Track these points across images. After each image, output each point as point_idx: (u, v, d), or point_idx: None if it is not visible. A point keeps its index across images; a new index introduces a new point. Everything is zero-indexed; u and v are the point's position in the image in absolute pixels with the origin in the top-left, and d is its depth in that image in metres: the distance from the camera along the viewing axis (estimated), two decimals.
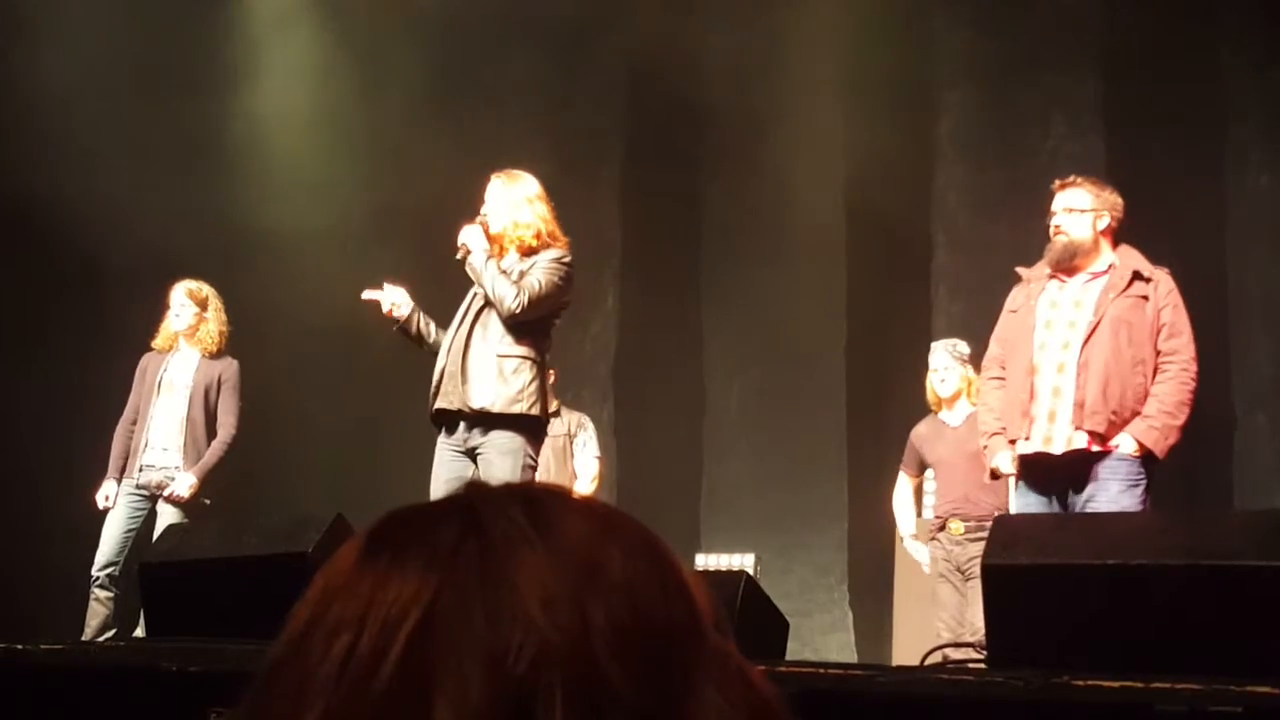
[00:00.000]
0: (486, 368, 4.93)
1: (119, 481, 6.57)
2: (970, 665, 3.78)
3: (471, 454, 4.98)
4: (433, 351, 5.19)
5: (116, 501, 6.51)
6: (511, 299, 4.94)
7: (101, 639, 6.21)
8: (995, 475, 5.08)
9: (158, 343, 6.76)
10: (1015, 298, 5.10)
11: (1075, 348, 4.78)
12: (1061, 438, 4.75)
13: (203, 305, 6.72)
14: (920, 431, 6.54)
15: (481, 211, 5.16)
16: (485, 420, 4.92)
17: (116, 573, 6.40)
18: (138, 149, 7.98)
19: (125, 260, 7.24)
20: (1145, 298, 4.82)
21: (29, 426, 7.76)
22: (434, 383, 5.05)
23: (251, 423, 8.53)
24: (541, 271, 5.01)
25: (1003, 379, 5.02)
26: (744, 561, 7.86)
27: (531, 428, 4.99)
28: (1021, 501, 4.92)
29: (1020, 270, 5.16)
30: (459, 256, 5.10)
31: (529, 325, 5.01)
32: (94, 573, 6.40)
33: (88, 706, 3.59)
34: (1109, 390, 4.69)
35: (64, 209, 7.65)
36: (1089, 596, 3.04)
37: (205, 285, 6.77)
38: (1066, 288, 4.93)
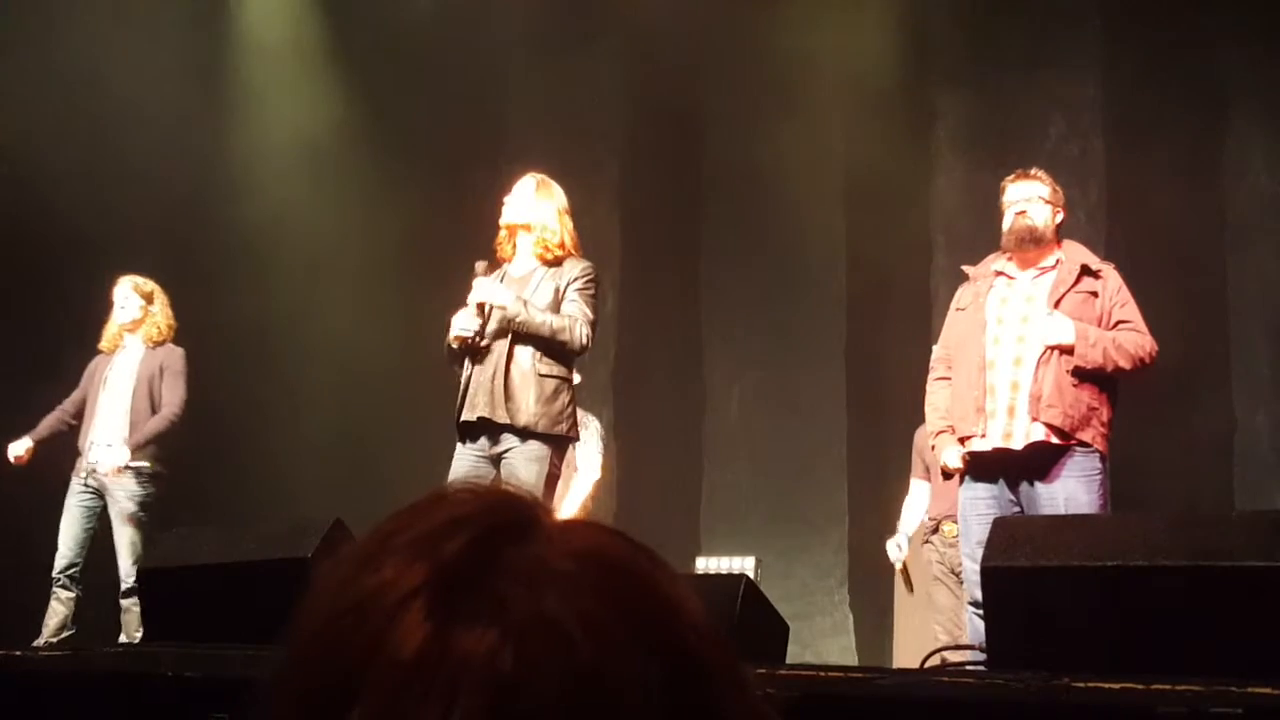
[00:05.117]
0: (530, 386, 4.95)
1: (34, 443, 6.53)
2: (970, 667, 3.78)
3: (496, 459, 4.99)
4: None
5: (67, 503, 6.46)
6: (580, 336, 5.00)
7: (58, 639, 6.26)
8: (946, 473, 5.06)
9: (104, 344, 6.69)
10: (963, 296, 5.09)
11: (1031, 342, 4.77)
12: (1021, 432, 4.72)
13: (148, 299, 6.65)
14: (923, 433, 6.53)
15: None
16: (518, 432, 4.94)
17: (78, 573, 6.38)
18: (133, 159, 7.97)
19: (119, 269, 7.18)
20: (1094, 294, 4.83)
21: None
22: (461, 392, 5.05)
23: (251, 428, 8.52)
24: (582, 294, 5.06)
25: (948, 379, 5.02)
26: (744, 565, 7.84)
27: (563, 444, 5.09)
28: (969, 494, 4.86)
29: (967, 268, 5.16)
30: (479, 322, 4.99)
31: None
32: (55, 574, 6.37)
33: (87, 712, 3.59)
34: (1064, 384, 4.68)
35: (56, 221, 7.62)
36: (1089, 598, 3.03)
37: (150, 280, 6.70)
38: (1015, 283, 4.93)
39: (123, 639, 6.28)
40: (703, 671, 0.70)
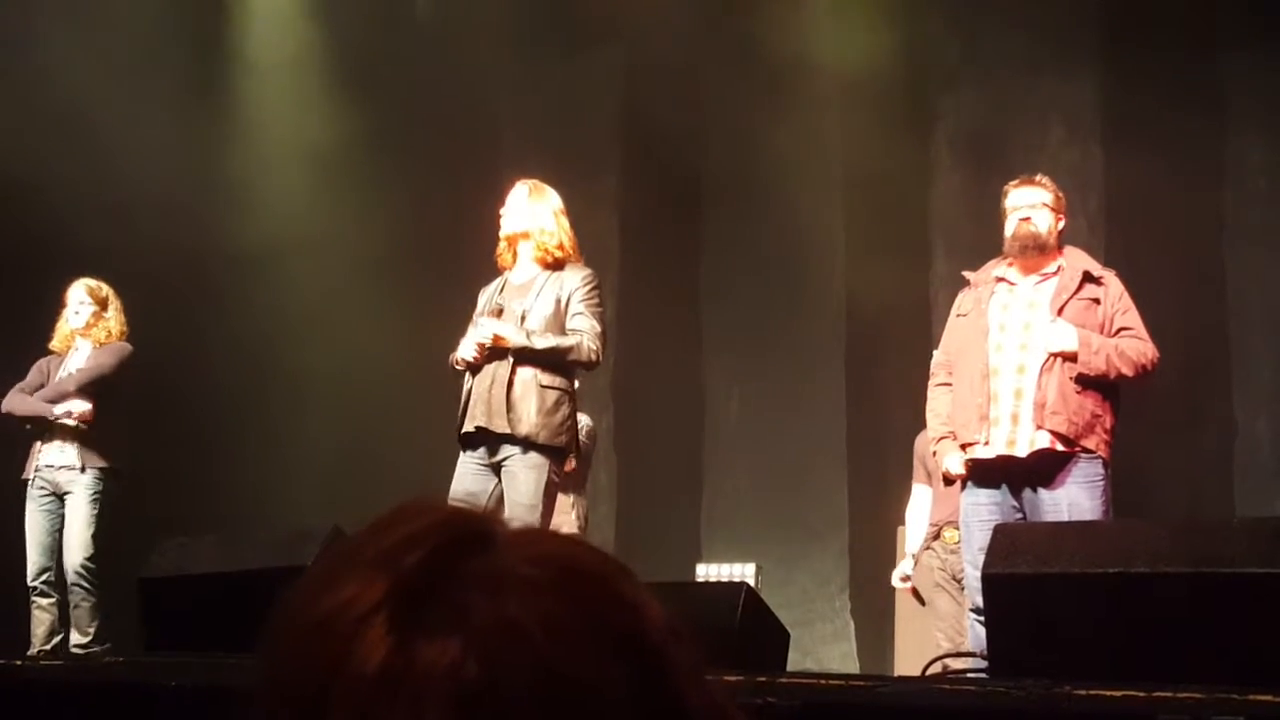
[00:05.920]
0: (531, 397, 4.95)
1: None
2: (972, 675, 3.77)
3: (497, 467, 4.99)
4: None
5: (27, 509, 6.38)
6: (590, 352, 5.02)
7: (50, 645, 6.24)
8: (948, 479, 5.05)
9: (55, 345, 6.61)
10: (963, 302, 5.09)
11: (1034, 349, 4.77)
12: (1025, 440, 4.72)
13: (102, 304, 6.58)
14: (924, 439, 6.51)
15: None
16: (519, 442, 4.94)
17: (53, 577, 6.32)
18: (134, 170, 7.97)
19: (121, 278, 7.15)
20: (1096, 300, 4.83)
21: None
22: (462, 402, 5.05)
23: (252, 435, 8.50)
24: (587, 306, 5.08)
25: (949, 384, 5.02)
26: (745, 571, 7.84)
27: (562, 455, 5.09)
28: (971, 500, 4.85)
29: (968, 274, 5.15)
30: (475, 357, 5.00)
31: None
32: (30, 582, 6.32)
33: None
34: (1067, 391, 4.68)
35: (58, 231, 7.61)
36: (1091, 605, 3.03)
37: (104, 284, 6.64)
38: (1017, 290, 4.92)
39: (74, 637, 6.25)
40: (665, 669, 0.71)
